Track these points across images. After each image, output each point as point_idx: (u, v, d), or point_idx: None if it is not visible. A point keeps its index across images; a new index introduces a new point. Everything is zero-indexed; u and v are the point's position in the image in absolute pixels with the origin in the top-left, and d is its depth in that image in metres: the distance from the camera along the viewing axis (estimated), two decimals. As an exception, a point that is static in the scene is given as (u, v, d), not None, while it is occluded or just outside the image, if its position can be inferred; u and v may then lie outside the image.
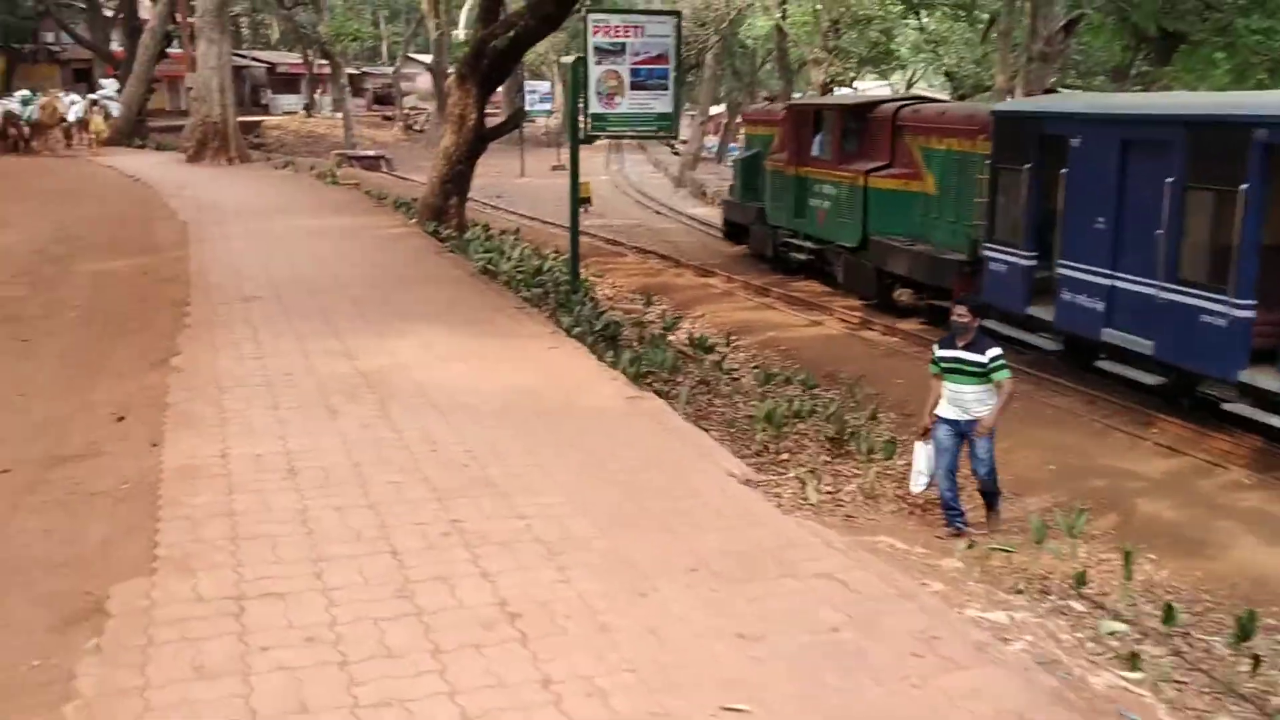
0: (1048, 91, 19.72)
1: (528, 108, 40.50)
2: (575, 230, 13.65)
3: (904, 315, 15.36)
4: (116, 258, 11.50)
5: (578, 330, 10.64)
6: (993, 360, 7.03)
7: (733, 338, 13.56)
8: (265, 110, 61.84)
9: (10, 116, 24.21)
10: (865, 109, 17.35)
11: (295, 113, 60.51)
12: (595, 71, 12.91)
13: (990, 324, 12.42)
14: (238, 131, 23.26)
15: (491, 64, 16.41)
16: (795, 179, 18.57)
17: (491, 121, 17.65)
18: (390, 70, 70.63)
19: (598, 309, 13.00)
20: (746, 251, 21.81)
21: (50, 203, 16.15)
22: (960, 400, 7.19)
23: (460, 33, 64.45)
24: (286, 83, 65.67)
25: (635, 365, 9.57)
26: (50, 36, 53.12)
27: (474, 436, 5.71)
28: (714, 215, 31.44)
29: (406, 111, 63.92)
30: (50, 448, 5.62)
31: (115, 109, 26.86)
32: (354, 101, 51.15)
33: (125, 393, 6.56)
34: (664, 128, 13.67)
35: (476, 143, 16.94)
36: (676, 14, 14.64)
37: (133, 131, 29.11)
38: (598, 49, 12.92)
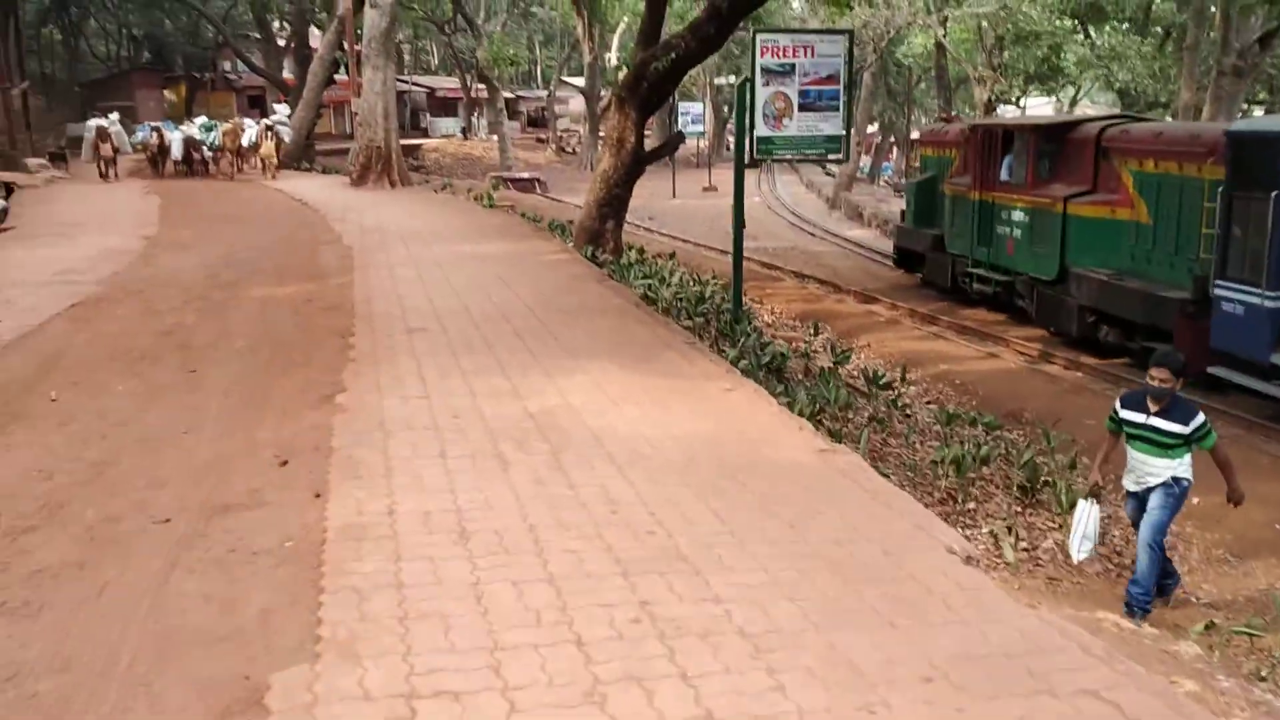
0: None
1: (680, 129, 40.23)
2: (739, 257, 13.09)
3: (1104, 353, 14.19)
4: (283, 283, 11.47)
5: (744, 364, 10.08)
6: (1197, 430, 6.11)
7: (903, 371, 12.72)
8: (424, 133, 63.52)
9: (192, 141, 25.23)
10: (1063, 129, 16.19)
11: (453, 136, 61.96)
12: (762, 93, 12.38)
13: (1220, 371, 11.27)
14: (400, 155, 23.60)
15: (651, 87, 16.07)
16: (980, 204, 17.53)
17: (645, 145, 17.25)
18: (544, 94, 71.75)
19: (762, 339, 12.40)
20: (920, 280, 20.74)
21: (223, 226, 16.48)
22: (1146, 471, 6.31)
23: (613, 56, 65.02)
24: (445, 106, 67.35)
25: (812, 405, 8.94)
26: (227, 65, 55.71)
27: (656, 496, 5.16)
28: (872, 238, 30.42)
29: (559, 134, 64.71)
30: (212, 494, 5.32)
31: (287, 134, 27.72)
32: (509, 124, 51.86)
33: (289, 432, 6.26)
34: (833, 150, 13.01)
35: (634, 166, 16.61)
36: (848, 32, 13.96)
37: (301, 155, 30.00)
38: (765, 70, 12.39)
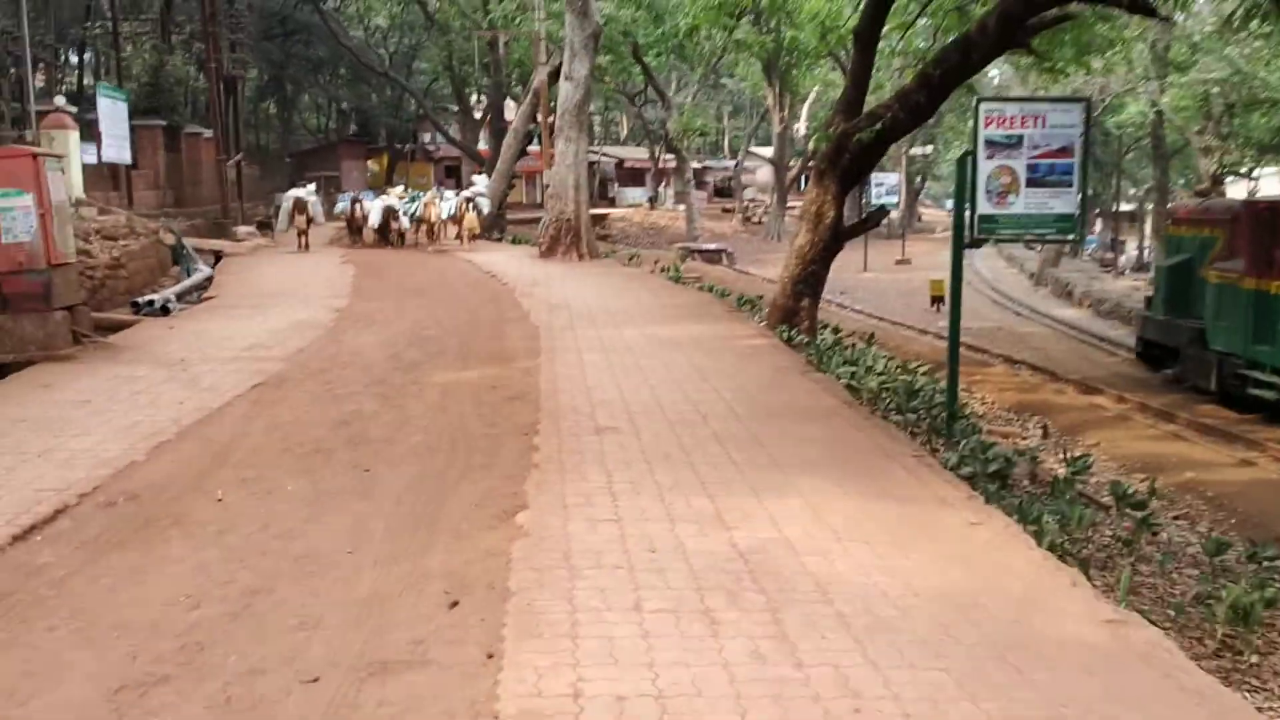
0: None
1: (873, 200, 38.94)
2: (955, 346, 11.79)
3: None
4: (467, 366, 10.87)
5: (966, 470, 8.80)
6: None
7: (1152, 486, 11.07)
8: (612, 202, 64.26)
9: (390, 211, 25.46)
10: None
11: (640, 205, 62.37)
12: (985, 167, 11.19)
13: None
14: (589, 228, 23.21)
15: (853, 159, 15.09)
16: (1257, 295, 15.43)
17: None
18: (730, 163, 71.69)
19: (984, 440, 11.01)
20: (1173, 378, 18.43)
21: (412, 299, 16.24)
22: None
23: (801, 126, 64.32)
24: (632, 176, 68.07)
25: (1063, 534, 7.60)
26: (427, 137, 57.84)
27: (909, 685, 4.02)
28: (1084, 319, 28.24)
29: (745, 203, 64.22)
30: (370, 643, 4.50)
31: (485, 205, 27.67)
32: (696, 194, 51.70)
33: (462, 560, 5.42)
34: (1065, 230, 11.65)
35: (833, 242, 15.59)
36: (1085, 101, 12.60)
37: (493, 225, 30.19)
38: (989, 142, 11.21)
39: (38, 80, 39.52)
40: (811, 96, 62.65)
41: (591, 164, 68.09)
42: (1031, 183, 11.22)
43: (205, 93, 35.10)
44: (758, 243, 53.42)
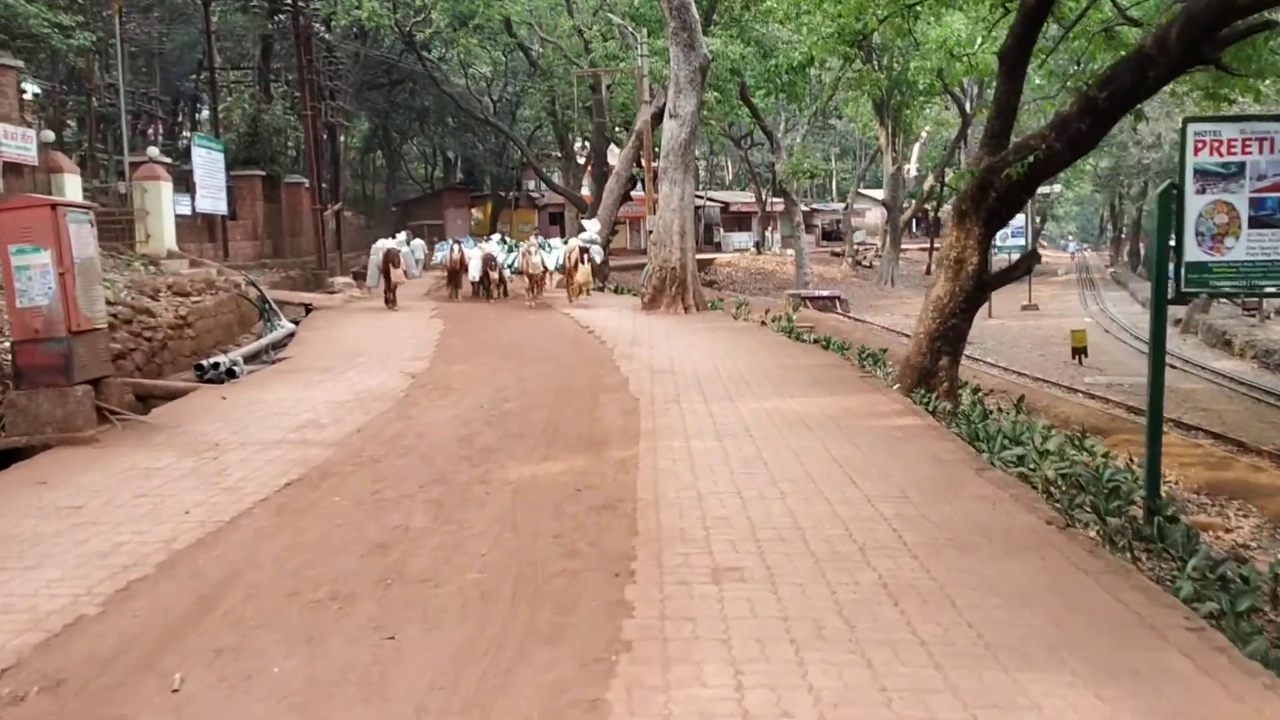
0: None
1: (998, 244, 35.98)
2: (1156, 430, 9.12)
3: None
4: (550, 455, 8.68)
5: (1209, 606, 6.25)
6: None
7: None
8: (718, 248, 62.22)
9: (490, 260, 23.36)
10: None
11: (746, 250, 60.16)
12: (1195, 203, 8.70)
13: None
14: (696, 277, 20.90)
15: (1000, 197, 12.73)
16: None
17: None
18: (839, 206, 69.21)
19: (1212, 554, 8.33)
20: None
21: (499, 362, 14.20)
22: None
23: (912, 167, 61.45)
24: (738, 220, 66.01)
25: None
26: (531, 183, 56.68)
27: None
28: (1250, 372, 24.88)
29: (855, 247, 61.54)
30: None
31: (598, 253, 25.14)
32: (804, 238, 49.31)
33: None
34: (1302, 280, 9.00)
35: (976, 291, 13.22)
36: (1325, 116, 9.93)
37: (594, 273, 28.18)
38: (1200, 172, 8.71)
39: (151, 134, 39.30)
40: (923, 137, 59.85)
41: (697, 209, 66.56)
42: (1256, 222, 8.70)
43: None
44: (870, 288, 50.64)
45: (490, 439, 9.37)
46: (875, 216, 67.07)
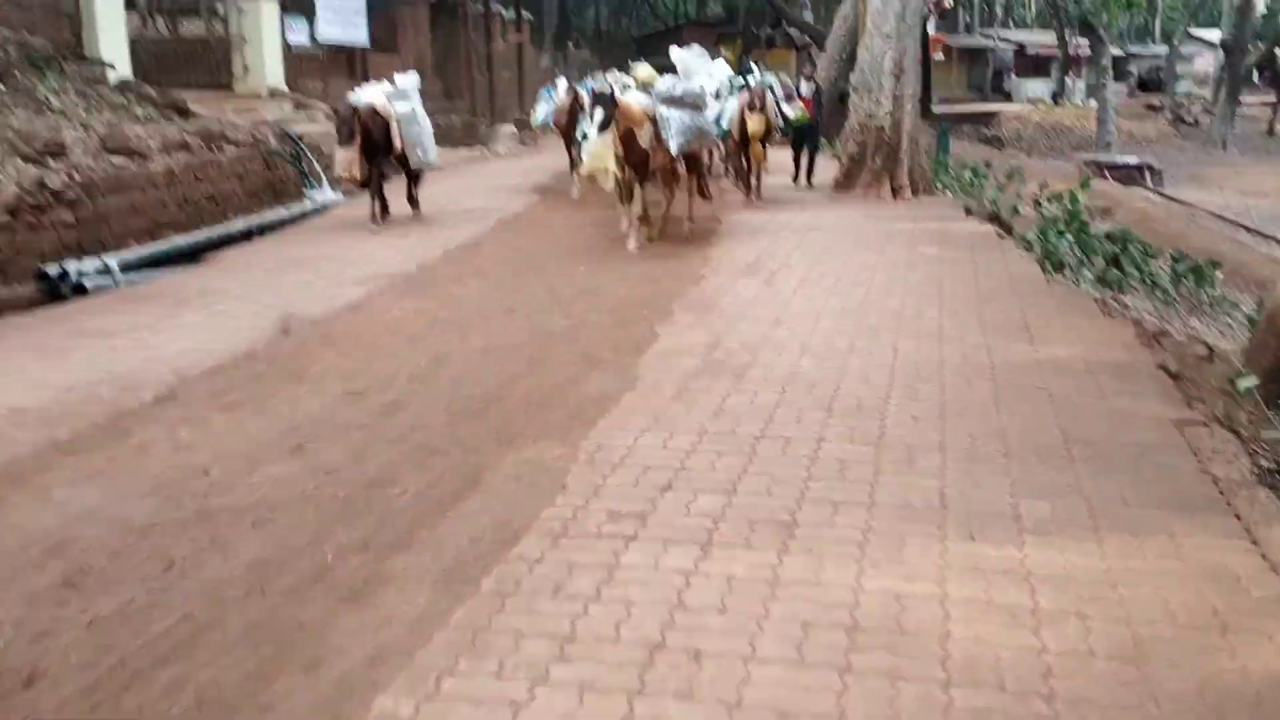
0: None
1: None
2: None
3: None
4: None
5: None
6: None
7: None
8: (1007, 97, 51.73)
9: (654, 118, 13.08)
10: None
11: (1041, 100, 49.31)
12: None
13: None
14: (916, 146, 12.82)
15: None
16: None
17: None
18: (1162, 50, 56.13)
19: None
20: None
21: (553, 272, 7.87)
22: None
23: (1261, 2, 47.58)
24: (1035, 65, 54.52)
25: None
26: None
27: None
28: None
29: (1178, 100, 49.16)
30: None
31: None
32: (1113, 87, 38.61)
33: None
34: None
35: None
36: None
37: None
38: None
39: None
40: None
41: (982, 50, 55.23)
42: None
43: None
44: (1193, 151, 39.45)
45: (470, 434, 3.27)
46: (1206, 62, 53.49)
